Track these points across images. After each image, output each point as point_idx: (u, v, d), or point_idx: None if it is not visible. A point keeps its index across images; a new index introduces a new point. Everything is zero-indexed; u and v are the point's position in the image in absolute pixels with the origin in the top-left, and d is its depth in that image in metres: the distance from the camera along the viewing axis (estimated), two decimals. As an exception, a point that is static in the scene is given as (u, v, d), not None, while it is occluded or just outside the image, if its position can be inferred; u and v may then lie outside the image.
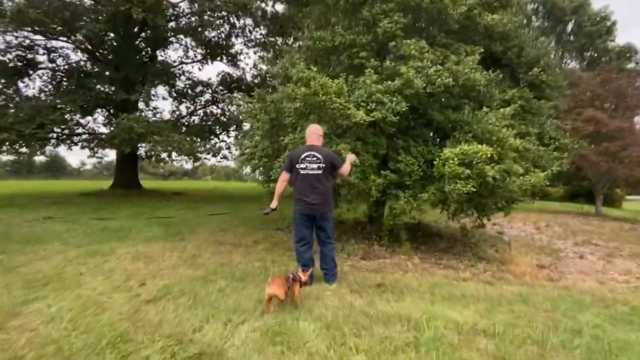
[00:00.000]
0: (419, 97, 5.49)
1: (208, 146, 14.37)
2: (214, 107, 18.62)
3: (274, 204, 4.42)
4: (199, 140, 13.73)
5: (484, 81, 5.37)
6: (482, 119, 5.28)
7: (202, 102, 18.55)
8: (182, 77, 18.15)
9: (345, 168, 4.35)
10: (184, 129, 16.07)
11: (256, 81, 17.54)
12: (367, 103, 5.27)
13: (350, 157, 4.56)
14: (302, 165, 4.21)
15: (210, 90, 18.15)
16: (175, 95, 18.21)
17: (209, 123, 17.26)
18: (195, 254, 5.61)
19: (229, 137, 17.64)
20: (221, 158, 19.04)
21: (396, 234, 6.27)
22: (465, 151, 4.83)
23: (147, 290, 3.96)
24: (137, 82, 13.08)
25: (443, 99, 5.64)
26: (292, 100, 5.44)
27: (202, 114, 17.96)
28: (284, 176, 4.39)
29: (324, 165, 4.16)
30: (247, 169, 6.50)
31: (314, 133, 4.36)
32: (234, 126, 17.31)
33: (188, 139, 12.65)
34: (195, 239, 6.74)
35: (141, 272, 4.60)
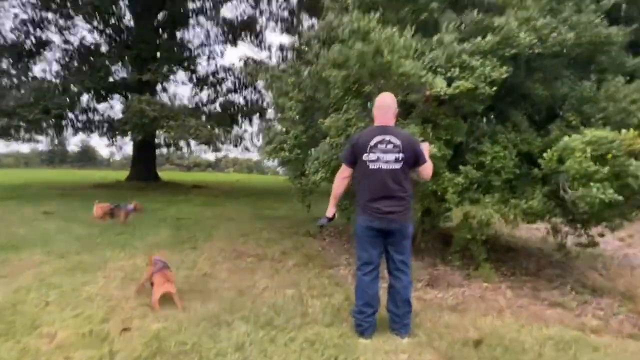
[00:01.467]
0: (516, 62, 3.90)
1: (230, 135, 13.05)
2: (236, 94, 17.35)
3: (330, 211, 3.07)
4: (218, 127, 12.38)
5: (620, 39, 3.71)
6: (615, 93, 3.64)
7: (224, 90, 17.32)
8: (203, 62, 16.95)
9: (429, 166, 2.91)
10: (204, 117, 14.83)
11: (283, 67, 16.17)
12: (446, 69, 3.72)
13: (426, 147, 3.05)
14: (372, 157, 2.77)
15: (232, 77, 16.86)
16: (195, 81, 17.03)
17: (231, 111, 15.97)
18: (207, 273, 4.25)
19: (251, 126, 16.40)
20: (243, 149, 17.91)
21: (468, 250, 4.71)
22: (600, 139, 3.22)
23: (129, 342, 2.61)
24: (150, 61, 11.83)
25: (550, 66, 4.01)
26: (340, 64, 3.96)
27: (223, 101, 16.70)
28: (345, 171, 2.99)
29: (404, 156, 2.72)
30: (275, 162, 5.09)
31: (389, 106, 2.88)
32: (258, 114, 15.99)
33: (208, 126, 11.31)
34: (209, 248, 5.40)
35: (129, 305, 3.26)
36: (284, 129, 5.25)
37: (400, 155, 2.71)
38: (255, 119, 16.47)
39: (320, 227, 3.06)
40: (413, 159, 2.75)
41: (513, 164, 4.10)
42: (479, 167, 4.16)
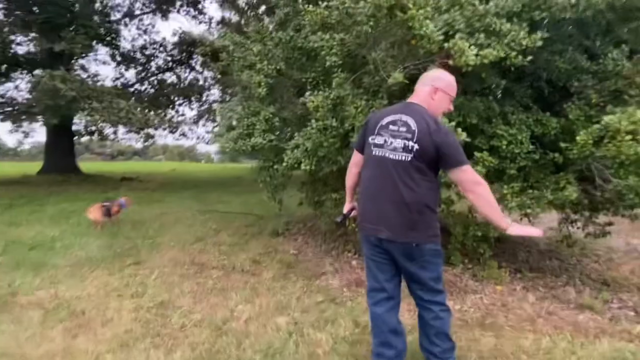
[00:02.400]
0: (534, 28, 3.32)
1: (167, 118, 11.36)
2: (169, 73, 15.44)
3: (347, 206, 2.35)
4: (154, 110, 10.64)
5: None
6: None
7: (154, 69, 15.27)
8: (127, 36, 14.75)
9: (468, 173, 1.89)
10: (132, 99, 12.87)
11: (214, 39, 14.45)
12: (468, 35, 3.01)
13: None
14: (379, 140, 2.01)
15: (164, 53, 14.91)
16: (119, 59, 14.77)
17: (164, 93, 14.11)
18: (164, 301, 3.20)
19: (191, 109, 14.70)
20: (180, 135, 16.17)
21: (470, 248, 4.18)
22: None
23: None
24: (64, 28, 9.68)
25: (574, 35, 3.49)
26: (331, 26, 3.07)
27: (155, 82, 14.71)
28: (356, 158, 2.23)
29: (417, 147, 1.89)
30: (241, 147, 4.06)
31: (424, 83, 2.08)
32: (197, 95, 14.34)
33: (139, 108, 9.57)
34: (158, 261, 4.28)
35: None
36: (250, 110, 4.24)
37: (411, 144, 1.89)
38: (195, 101, 14.82)
39: (337, 224, 2.35)
40: (432, 155, 1.88)
41: (527, 149, 3.58)
42: (492, 152, 3.58)
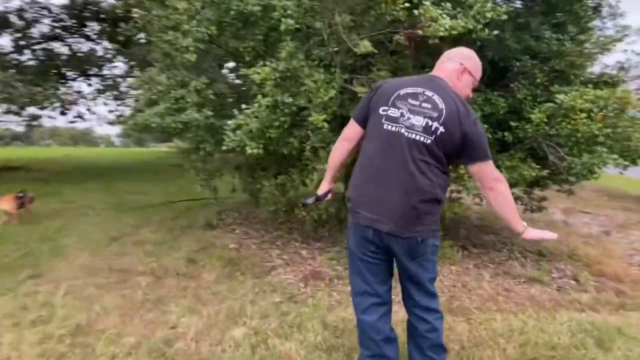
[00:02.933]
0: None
1: (58, 93, 9.45)
2: (57, 43, 13.04)
3: (322, 187, 1.99)
4: (40, 85, 8.71)
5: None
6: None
7: (37, 36, 12.75)
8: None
9: (490, 169, 1.67)
10: (10, 71, 10.55)
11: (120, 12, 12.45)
12: (432, 5, 2.77)
13: None
14: (393, 112, 1.66)
15: (50, 18, 12.48)
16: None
17: (54, 63, 11.86)
18: (80, 325, 2.50)
19: (89, 84, 12.64)
20: (75, 117, 13.96)
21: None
22: (598, 98, 2.83)
23: None
24: None
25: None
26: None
27: (39, 52, 12.27)
28: (349, 130, 1.85)
29: (443, 130, 1.59)
30: (170, 124, 3.36)
31: (450, 58, 1.79)
32: (97, 68, 12.34)
33: (20, 83, 7.68)
34: (65, 271, 3.44)
35: None
36: (178, 81, 3.55)
37: (435, 125, 1.58)
38: (93, 76, 12.75)
39: (304, 206, 1.95)
40: (456, 143, 1.60)
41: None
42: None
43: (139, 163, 14.76)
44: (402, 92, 1.69)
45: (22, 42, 12.28)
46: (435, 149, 1.59)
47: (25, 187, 5.75)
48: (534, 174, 3.09)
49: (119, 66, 13.26)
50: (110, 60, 12.78)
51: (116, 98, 14.08)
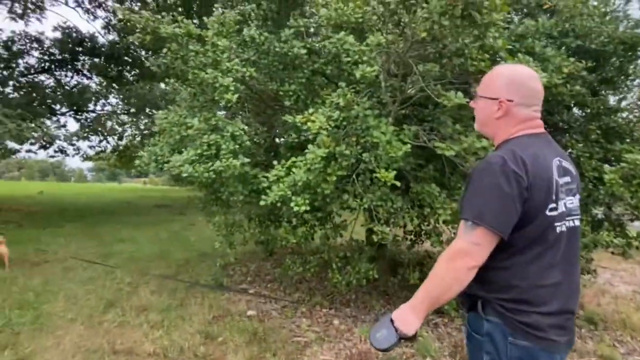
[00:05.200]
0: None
1: (45, 130, 8.78)
2: (45, 75, 12.54)
3: (412, 323, 1.21)
4: (27, 120, 8.03)
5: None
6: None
7: (22, 68, 12.20)
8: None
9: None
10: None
11: (114, 39, 11.93)
12: (509, 56, 2.52)
13: None
14: (561, 208, 1.19)
15: (40, 51, 12.04)
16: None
17: (40, 98, 11.23)
18: None
19: (79, 119, 11.94)
20: (56, 151, 13.16)
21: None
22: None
23: None
24: None
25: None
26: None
27: (25, 83, 11.65)
28: (486, 247, 1.15)
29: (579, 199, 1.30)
30: (202, 173, 2.88)
31: (535, 101, 1.28)
32: (93, 103, 11.77)
33: (6, 118, 6.99)
34: (55, 353, 2.76)
35: None
36: (211, 124, 3.10)
37: (578, 200, 1.28)
38: (84, 112, 12.14)
39: (384, 351, 1.33)
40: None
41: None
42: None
43: (122, 203, 13.88)
44: (556, 175, 1.21)
45: (5, 73, 11.70)
46: None
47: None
48: (615, 241, 2.76)
49: (110, 102, 12.84)
50: (105, 96, 12.33)
51: (99, 133, 13.52)
